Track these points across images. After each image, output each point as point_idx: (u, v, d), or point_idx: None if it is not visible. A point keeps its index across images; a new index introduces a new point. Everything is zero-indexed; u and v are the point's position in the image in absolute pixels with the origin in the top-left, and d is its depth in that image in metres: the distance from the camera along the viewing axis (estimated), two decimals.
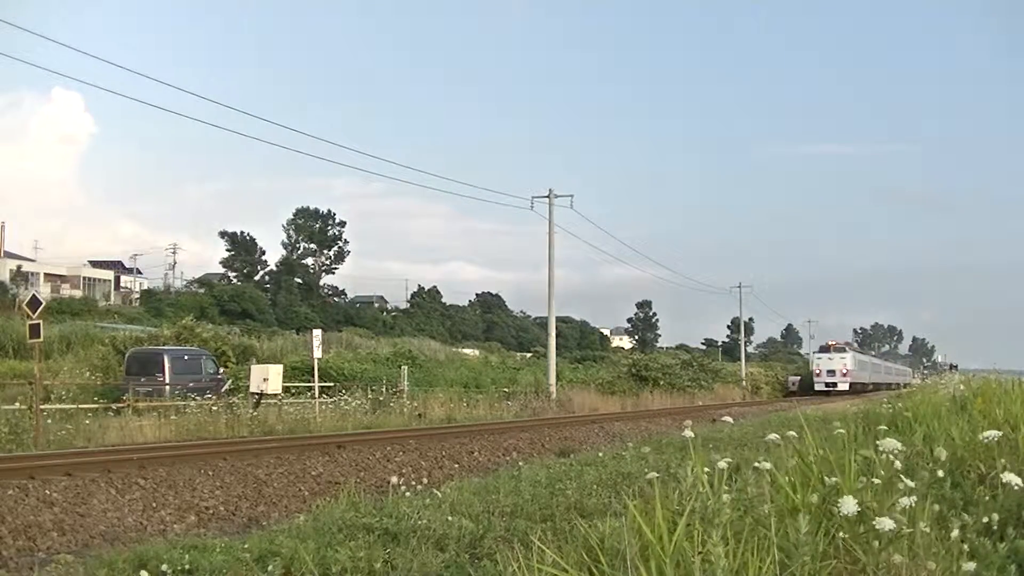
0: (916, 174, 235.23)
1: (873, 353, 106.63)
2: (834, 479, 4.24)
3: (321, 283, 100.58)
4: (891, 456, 4.03)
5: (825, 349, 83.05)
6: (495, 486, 10.58)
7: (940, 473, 4.62)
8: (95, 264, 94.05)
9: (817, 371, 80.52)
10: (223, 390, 28.31)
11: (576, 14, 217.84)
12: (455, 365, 49.06)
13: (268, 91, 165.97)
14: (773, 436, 5.28)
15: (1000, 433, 5.25)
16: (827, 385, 77.25)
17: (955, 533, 3.87)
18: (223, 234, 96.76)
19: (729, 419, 7.77)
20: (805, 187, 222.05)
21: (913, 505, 3.69)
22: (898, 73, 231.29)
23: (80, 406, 22.91)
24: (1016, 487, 4.10)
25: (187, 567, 6.98)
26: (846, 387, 76.45)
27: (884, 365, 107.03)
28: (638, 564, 3.44)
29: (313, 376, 29.07)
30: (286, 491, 12.97)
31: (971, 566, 3.71)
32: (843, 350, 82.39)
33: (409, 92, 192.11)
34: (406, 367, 36.43)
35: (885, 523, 3.39)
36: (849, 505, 3.48)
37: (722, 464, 4.21)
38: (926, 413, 9.31)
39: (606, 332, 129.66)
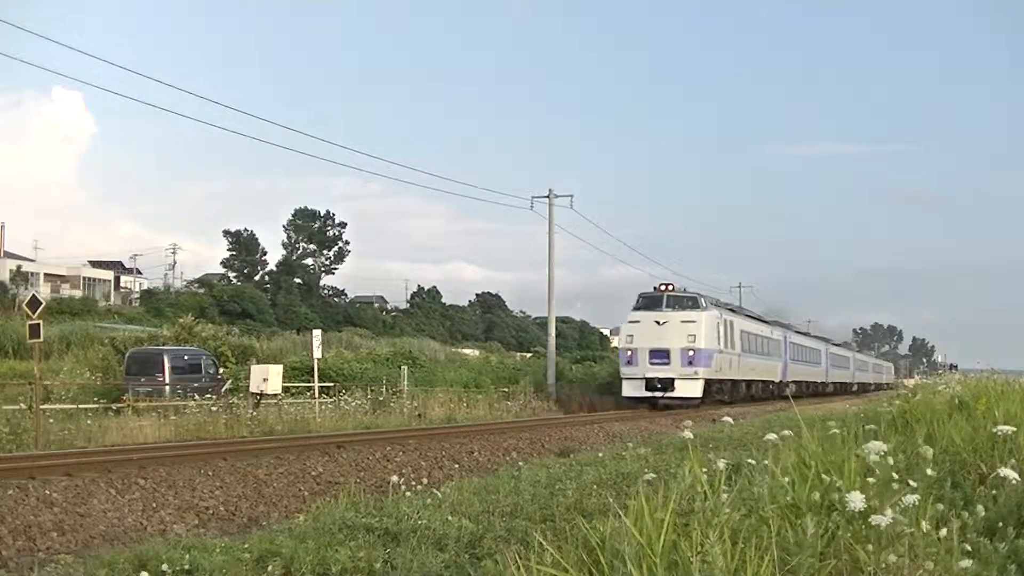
0: (916, 174, 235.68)
1: (786, 323, 56.93)
2: (837, 481, 4.24)
3: (321, 283, 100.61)
4: (881, 457, 4.03)
5: (652, 303, 35.77)
6: (495, 486, 10.59)
7: (929, 471, 4.62)
8: (95, 264, 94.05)
9: (628, 353, 35.32)
10: (223, 390, 28.31)
11: (576, 14, 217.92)
12: (455, 365, 49.06)
13: (268, 91, 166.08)
14: (771, 436, 5.29)
15: (1014, 428, 5.21)
16: (649, 385, 33.98)
17: (944, 532, 3.87)
18: (226, 233, 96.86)
19: (729, 419, 7.86)
20: (805, 187, 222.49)
21: (916, 504, 3.70)
22: (898, 73, 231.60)
23: (80, 406, 22.91)
24: (1015, 481, 4.11)
25: (187, 567, 6.98)
26: (695, 391, 33.98)
27: (829, 352, 63.47)
28: (632, 566, 3.44)
29: (313, 376, 29.07)
30: (286, 491, 12.97)
31: (968, 564, 3.72)
32: (693, 303, 36.03)
33: (409, 92, 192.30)
34: (406, 367, 36.43)
35: (883, 519, 3.40)
36: (856, 500, 3.48)
37: (721, 464, 4.22)
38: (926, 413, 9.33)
39: (606, 332, 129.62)
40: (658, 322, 34.39)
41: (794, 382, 50.14)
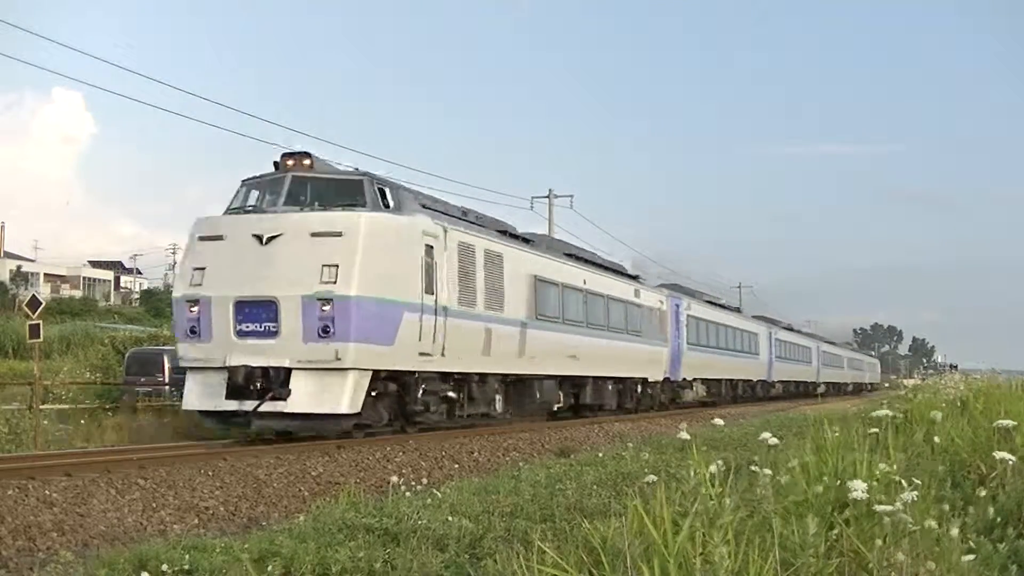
0: (916, 174, 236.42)
1: (687, 288, 38.42)
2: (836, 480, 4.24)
3: None
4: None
5: (262, 193, 15.82)
6: (495, 486, 10.59)
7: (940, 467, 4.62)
8: (95, 264, 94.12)
9: (190, 311, 14.84)
10: None
11: (577, 14, 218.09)
12: None
13: (268, 91, 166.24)
14: (769, 436, 5.29)
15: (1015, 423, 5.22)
16: (232, 386, 14.59)
17: (954, 531, 3.88)
18: None
19: (720, 421, 7.89)
20: (805, 187, 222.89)
21: (916, 499, 3.70)
22: (898, 73, 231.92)
23: (80, 406, 22.92)
24: (1011, 461, 4.12)
25: (187, 567, 6.97)
26: (336, 400, 14.52)
27: (775, 339, 46.21)
28: (640, 565, 3.43)
29: None
30: (286, 491, 12.96)
31: (972, 561, 3.72)
32: (349, 193, 15.48)
33: (409, 92, 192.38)
34: None
35: (888, 508, 3.41)
36: (859, 489, 3.49)
37: (723, 465, 4.21)
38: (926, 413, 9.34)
39: None
40: (261, 238, 14.93)
41: (701, 380, 33.37)
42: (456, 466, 16.27)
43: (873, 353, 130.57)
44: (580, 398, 24.49)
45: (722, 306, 41.75)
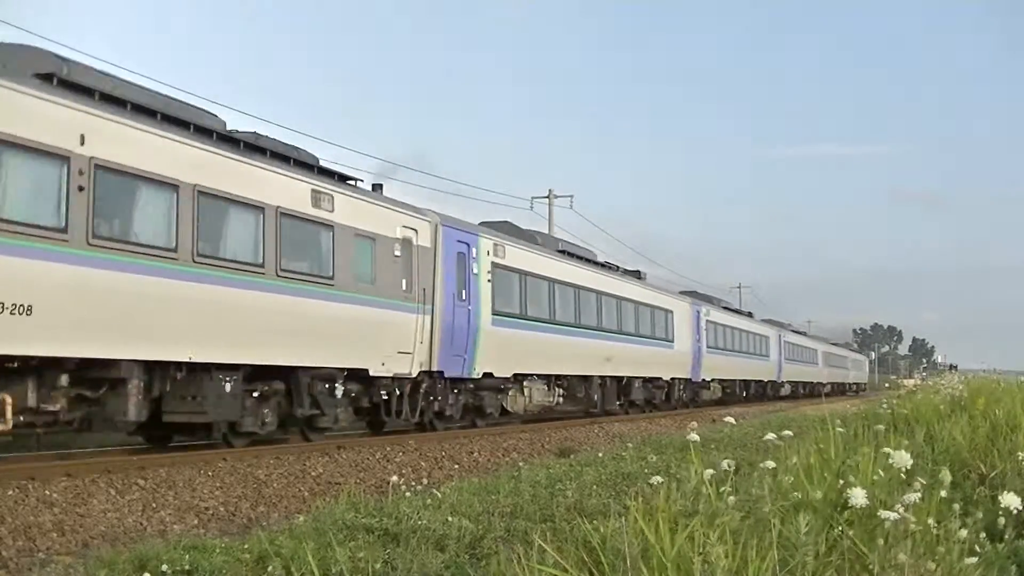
0: (916, 174, 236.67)
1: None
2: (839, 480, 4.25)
3: None
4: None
5: None
6: (495, 486, 10.59)
7: (943, 493, 4.61)
8: None
9: None
10: None
11: (576, 14, 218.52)
12: None
13: (268, 91, 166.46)
14: (772, 436, 5.30)
15: None
16: None
17: (964, 532, 3.89)
18: None
19: (731, 419, 7.94)
20: (805, 187, 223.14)
21: (919, 501, 3.71)
22: (898, 73, 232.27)
23: None
24: (1015, 510, 4.08)
25: (187, 567, 6.97)
26: None
27: (715, 325, 35.49)
28: (640, 565, 3.44)
29: None
30: (286, 491, 12.96)
31: (973, 560, 3.73)
32: None
33: (409, 93, 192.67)
34: None
35: (891, 515, 3.41)
36: (859, 497, 3.49)
37: (724, 465, 4.22)
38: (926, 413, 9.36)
39: None
40: None
41: (538, 378, 21.98)
42: (456, 466, 16.27)
43: (873, 354, 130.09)
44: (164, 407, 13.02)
45: (595, 263, 26.69)
